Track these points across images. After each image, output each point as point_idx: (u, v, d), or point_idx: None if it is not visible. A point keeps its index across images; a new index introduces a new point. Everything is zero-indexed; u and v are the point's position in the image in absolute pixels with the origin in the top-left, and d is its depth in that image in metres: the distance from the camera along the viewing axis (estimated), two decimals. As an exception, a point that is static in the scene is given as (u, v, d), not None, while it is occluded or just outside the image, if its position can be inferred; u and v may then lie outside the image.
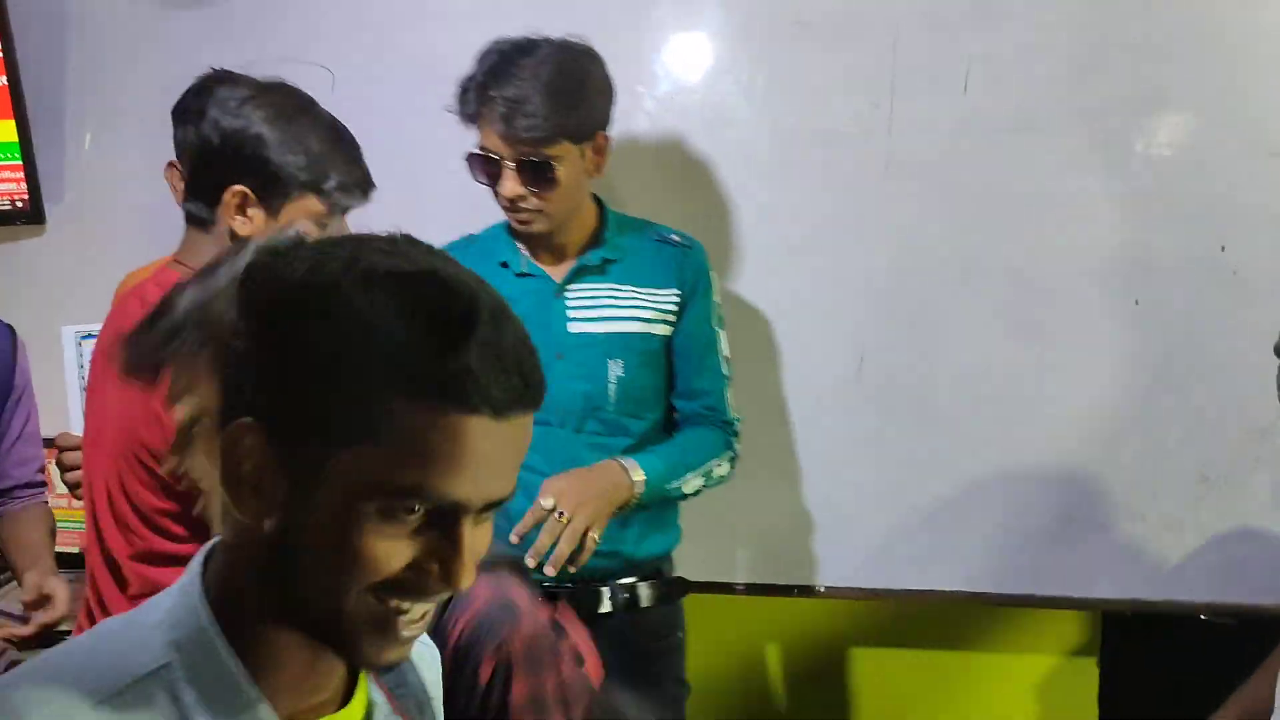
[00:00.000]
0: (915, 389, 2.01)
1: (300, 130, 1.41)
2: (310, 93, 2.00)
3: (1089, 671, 2.16)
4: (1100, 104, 1.89)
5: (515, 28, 1.90)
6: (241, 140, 1.38)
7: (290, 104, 1.44)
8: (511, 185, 1.63)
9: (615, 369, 1.72)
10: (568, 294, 1.73)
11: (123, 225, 2.35)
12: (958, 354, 1.98)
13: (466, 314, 0.66)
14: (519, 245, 1.75)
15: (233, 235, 1.39)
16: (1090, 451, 1.96)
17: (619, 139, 2.08)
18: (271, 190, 1.38)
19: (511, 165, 1.63)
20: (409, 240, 0.74)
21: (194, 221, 1.45)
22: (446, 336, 0.66)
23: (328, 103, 2.13)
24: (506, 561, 1.26)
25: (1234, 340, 1.88)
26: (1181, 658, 1.97)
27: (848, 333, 2.03)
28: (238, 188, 1.37)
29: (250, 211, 1.39)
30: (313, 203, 1.41)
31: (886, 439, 2.03)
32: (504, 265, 1.74)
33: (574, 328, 1.72)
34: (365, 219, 2.14)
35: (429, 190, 2.01)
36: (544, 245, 1.75)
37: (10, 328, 1.97)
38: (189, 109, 1.65)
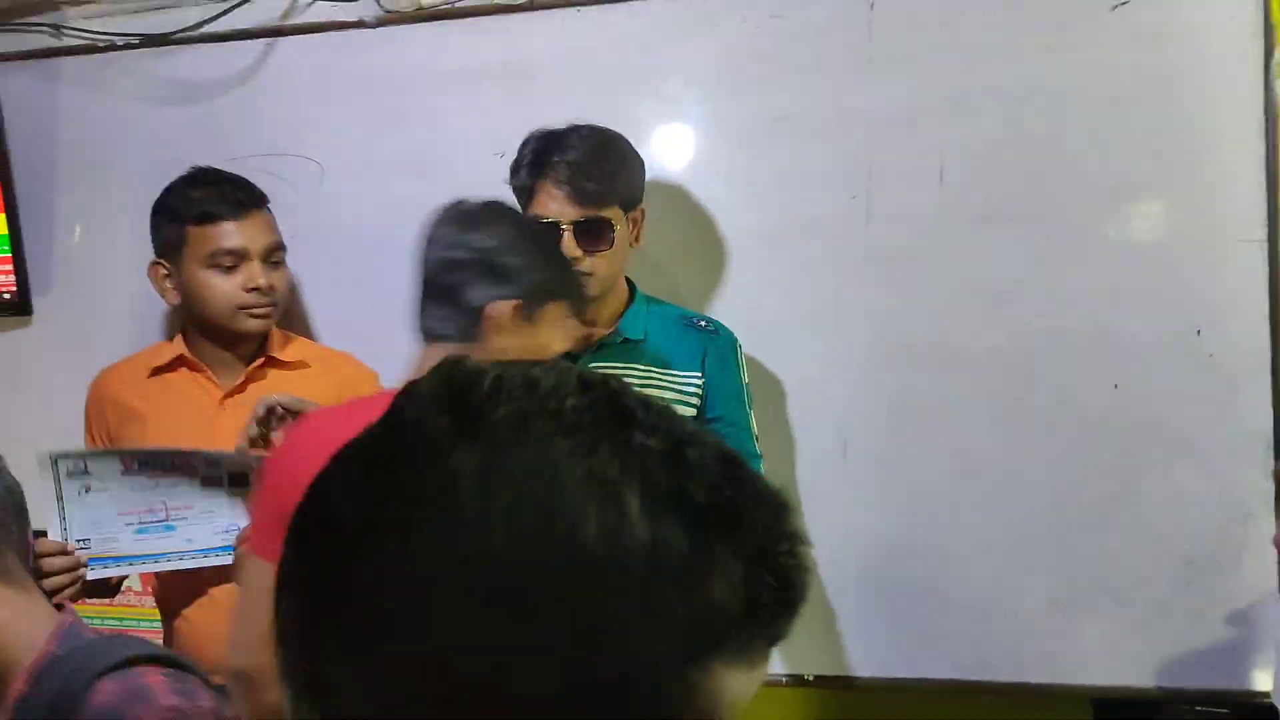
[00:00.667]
0: (900, 471, 2.01)
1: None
2: (298, 184, 2.05)
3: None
4: (1072, 194, 1.93)
5: (502, 124, 1.96)
6: None
7: None
8: (570, 246, 1.69)
9: None
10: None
11: (109, 317, 2.36)
12: (941, 437, 1.98)
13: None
14: None
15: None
16: (1076, 536, 1.95)
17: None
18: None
19: (569, 227, 1.70)
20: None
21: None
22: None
23: (316, 195, 2.20)
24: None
25: (1213, 423, 1.89)
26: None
27: (833, 416, 2.04)
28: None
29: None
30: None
31: (872, 522, 2.02)
32: None
33: None
34: (359, 314, 2.18)
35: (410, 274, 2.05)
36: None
37: None
38: None
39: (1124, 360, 1.92)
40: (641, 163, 1.83)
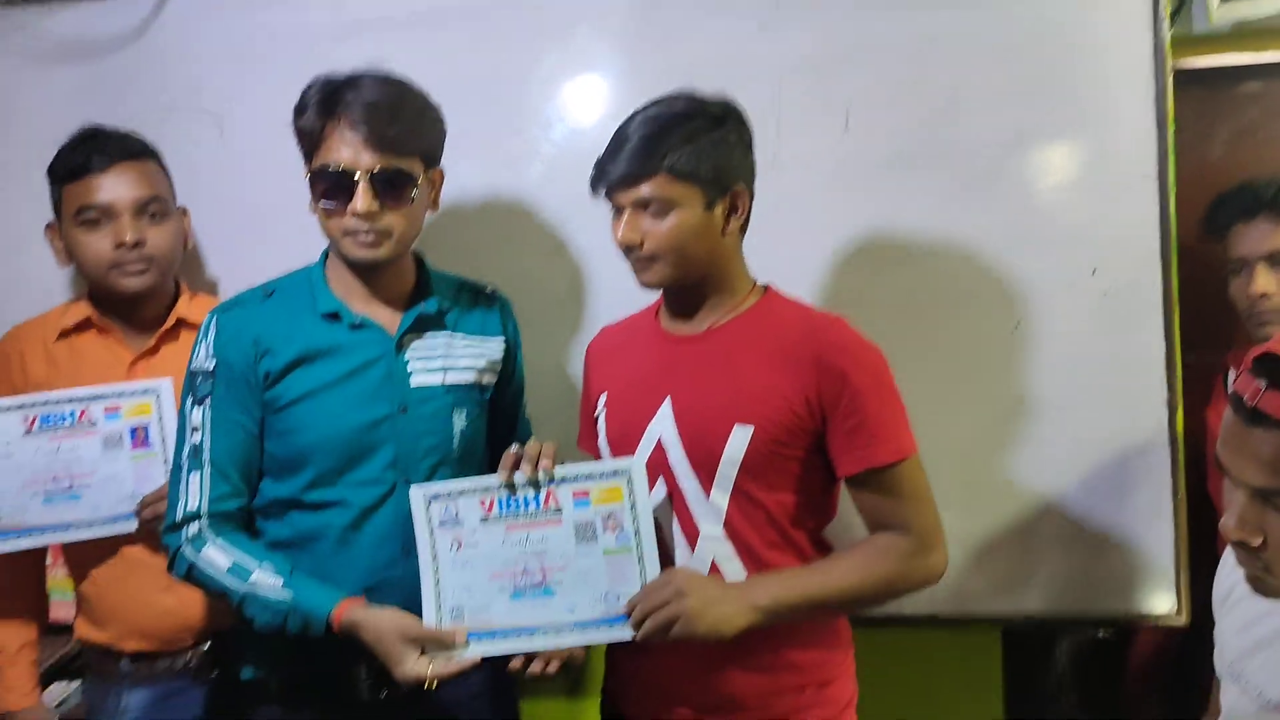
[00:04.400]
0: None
1: None
2: (198, 139, 1.99)
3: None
4: (973, 139, 1.97)
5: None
6: None
7: None
8: (365, 199, 1.53)
9: (459, 421, 1.67)
10: (407, 346, 1.65)
11: (5, 288, 2.28)
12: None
13: None
14: (340, 296, 1.65)
15: None
16: (980, 472, 2.02)
17: (518, 184, 2.12)
18: None
19: (364, 176, 1.53)
20: None
21: None
22: None
23: (216, 148, 2.15)
24: None
25: (1110, 359, 1.96)
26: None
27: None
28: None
29: None
30: None
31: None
32: (331, 316, 1.63)
33: (416, 380, 1.64)
34: (265, 259, 2.14)
35: (316, 233, 2.02)
36: (375, 291, 1.65)
37: None
38: None
39: (1024, 300, 1.98)
40: (443, 120, 1.64)
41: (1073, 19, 1.94)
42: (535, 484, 1.52)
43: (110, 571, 1.84)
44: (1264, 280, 1.91)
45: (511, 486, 1.53)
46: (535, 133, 2.11)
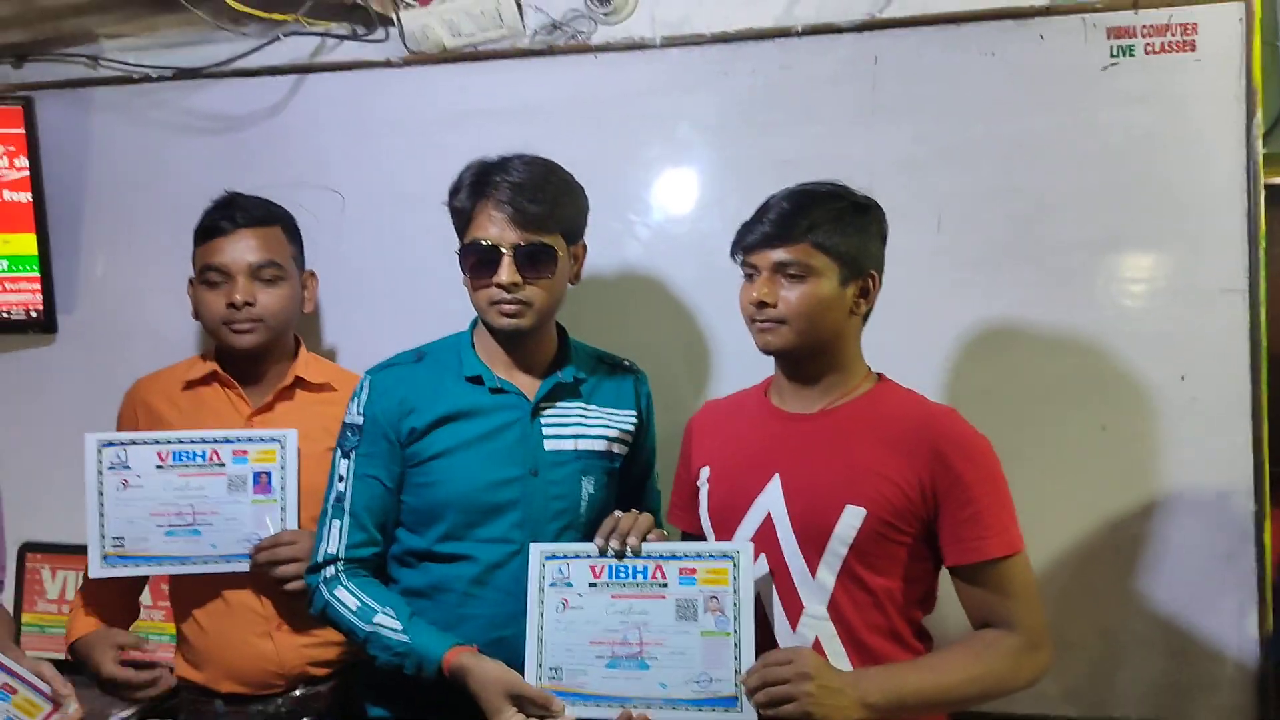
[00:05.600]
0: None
1: None
2: (320, 214, 2.12)
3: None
4: (1064, 243, 2.02)
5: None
6: None
7: None
8: (509, 271, 1.63)
9: (588, 486, 1.73)
10: (543, 411, 1.73)
11: (130, 337, 2.44)
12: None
13: None
14: (484, 361, 1.74)
15: None
16: (1065, 574, 2.02)
17: (614, 264, 2.21)
18: None
19: (509, 252, 1.63)
20: None
21: None
22: None
23: (337, 224, 2.29)
24: None
25: (1196, 464, 1.96)
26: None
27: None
28: None
29: None
30: None
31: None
32: (474, 380, 1.72)
33: (550, 445, 1.71)
34: (374, 321, 2.26)
35: (425, 300, 2.14)
36: (517, 359, 1.73)
37: None
38: None
39: (1112, 403, 2.00)
40: (585, 198, 1.73)
41: (1167, 132, 1.99)
42: (621, 554, 1.57)
43: (212, 612, 1.92)
44: None
45: (619, 554, 1.57)
46: (632, 217, 2.22)
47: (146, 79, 2.42)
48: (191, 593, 1.93)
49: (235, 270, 1.91)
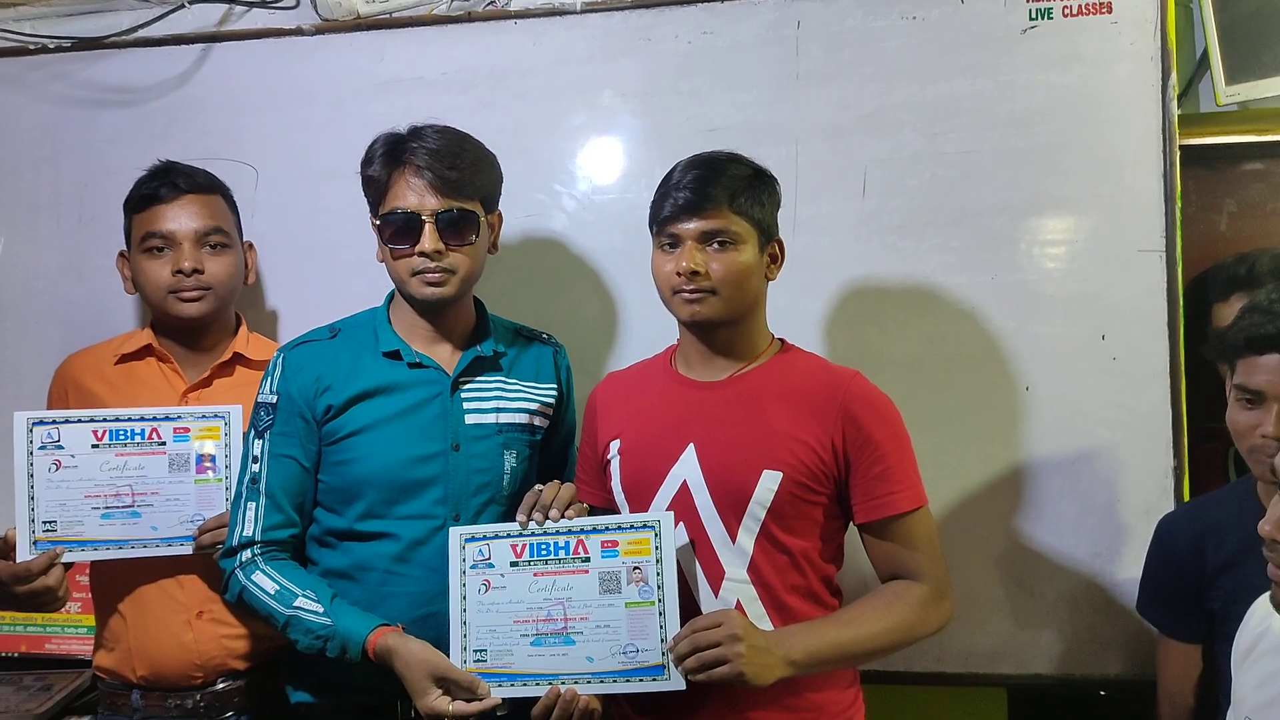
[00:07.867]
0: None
1: None
2: (234, 188, 2.06)
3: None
4: (985, 207, 2.03)
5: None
6: None
7: None
8: (431, 238, 1.61)
9: (510, 460, 1.72)
10: (463, 386, 1.72)
11: (37, 321, 2.34)
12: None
13: None
14: (401, 336, 1.72)
15: None
16: (987, 533, 2.04)
17: (540, 235, 2.18)
18: None
19: (430, 219, 1.62)
20: None
21: None
22: None
23: (250, 199, 2.22)
24: None
25: (1117, 422, 2.00)
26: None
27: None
28: None
29: None
30: None
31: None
32: (391, 355, 1.70)
33: (471, 419, 1.70)
34: (290, 299, 2.20)
35: (343, 277, 2.10)
36: (436, 332, 1.72)
37: None
38: None
39: (1035, 363, 2.02)
40: (499, 167, 1.73)
41: (1084, 94, 2.01)
42: (546, 528, 1.57)
43: (133, 601, 1.86)
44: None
45: (541, 526, 1.57)
46: (558, 188, 2.18)
47: (44, 49, 2.31)
48: (112, 580, 1.87)
49: (181, 237, 1.86)
